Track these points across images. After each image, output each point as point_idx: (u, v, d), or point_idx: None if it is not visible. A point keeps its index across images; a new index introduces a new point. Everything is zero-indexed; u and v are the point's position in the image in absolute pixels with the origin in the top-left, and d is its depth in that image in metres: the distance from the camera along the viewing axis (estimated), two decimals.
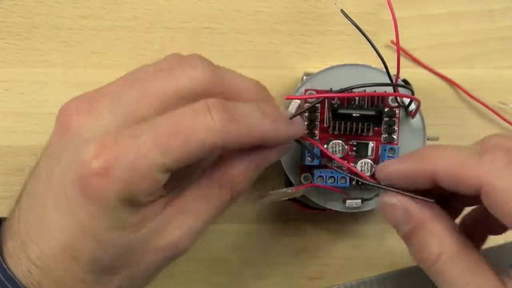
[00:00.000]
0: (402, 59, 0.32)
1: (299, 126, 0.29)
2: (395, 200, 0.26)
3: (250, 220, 0.35)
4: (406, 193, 0.26)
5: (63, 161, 0.25)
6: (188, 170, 0.27)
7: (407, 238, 0.26)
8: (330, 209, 0.32)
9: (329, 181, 0.31)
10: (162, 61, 0.27)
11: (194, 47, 0.35)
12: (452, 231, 0.25)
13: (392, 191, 0.26)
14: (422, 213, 0.25)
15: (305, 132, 0.31)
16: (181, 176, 0.27)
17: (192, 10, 0.36)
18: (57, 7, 0.36)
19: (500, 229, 0.28)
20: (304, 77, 0.32)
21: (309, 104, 0.31)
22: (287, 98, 0.29)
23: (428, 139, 0.32)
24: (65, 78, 0.35)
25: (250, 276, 0.35)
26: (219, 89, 0.26)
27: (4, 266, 0.26)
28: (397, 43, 0.29)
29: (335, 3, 0.29)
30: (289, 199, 0.33)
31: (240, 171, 0.27)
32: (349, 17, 0.29)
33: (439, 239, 0.25)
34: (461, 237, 0.25)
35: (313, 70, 0.33)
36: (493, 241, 0.35)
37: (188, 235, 0.27)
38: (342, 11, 0.28)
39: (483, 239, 0.29)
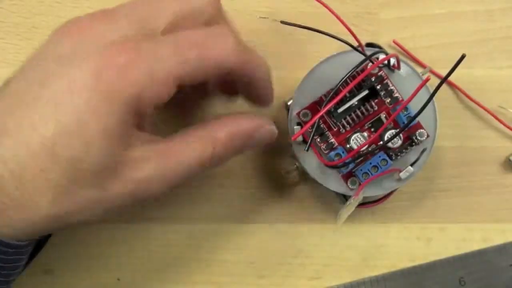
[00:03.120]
0: (402, 59, 0.32)
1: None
2: None
3: (250, 220, 0.35)
4: None
5: (78, 57, 0.25)
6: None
7: None
8: (391, 192, 0.33)
9: (373, 170, 0.31)
10: None
11: None
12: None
13: None
14: None
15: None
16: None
17: None
18: (57, 7, 0.36)
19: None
20: (289, 103, 0.32)
21: (314, 126, 0.31)
22: (293, 140, 0.30)
23: (423, 75, 0.32)
24: None
25: (250, 276, 0.35)
26: (220, 15, 0.29)
27: None
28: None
29: (259, 17, 0.29)
30: (358, 206, 0.33)
31: (225, 135, 0.28)
32: (290, 23, 0.29)
33: None
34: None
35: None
36: (493, 241, 0.35)
37: (162, 178, 0.27)
38: (282, 21, 0.29)
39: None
